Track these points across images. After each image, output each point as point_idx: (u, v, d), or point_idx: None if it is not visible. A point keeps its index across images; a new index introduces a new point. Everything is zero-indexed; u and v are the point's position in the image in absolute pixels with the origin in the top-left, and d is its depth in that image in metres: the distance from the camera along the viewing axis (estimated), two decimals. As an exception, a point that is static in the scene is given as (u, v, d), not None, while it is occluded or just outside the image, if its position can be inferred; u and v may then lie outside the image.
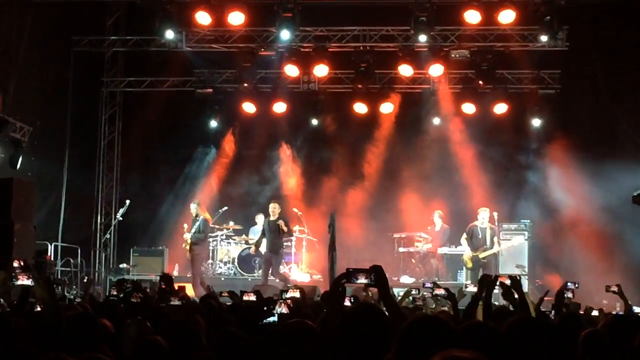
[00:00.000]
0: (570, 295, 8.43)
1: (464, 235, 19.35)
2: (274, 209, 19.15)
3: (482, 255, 18.85)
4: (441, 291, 9.15)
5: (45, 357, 4.59)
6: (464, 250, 19.25)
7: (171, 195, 20.47)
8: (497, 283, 7.48)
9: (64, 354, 4.78)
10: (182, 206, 21.12)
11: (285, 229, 18.93)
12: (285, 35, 20.07)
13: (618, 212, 20.42)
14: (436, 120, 22.16)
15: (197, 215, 19.05)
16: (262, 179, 23.01)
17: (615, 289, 9.22)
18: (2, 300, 8.19)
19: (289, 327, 4.51)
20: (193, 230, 18.90)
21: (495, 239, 19.03)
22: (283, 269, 20.69)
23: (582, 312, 9.46)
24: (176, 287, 9.76)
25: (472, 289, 13.06)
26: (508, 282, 7.51)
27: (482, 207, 19.43)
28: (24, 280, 6.46)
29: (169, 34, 20.32)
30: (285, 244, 21.04)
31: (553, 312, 9.01)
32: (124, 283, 8.89)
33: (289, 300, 7.22)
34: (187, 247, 18.93)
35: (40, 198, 19.85)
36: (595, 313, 9.51)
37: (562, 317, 7.43)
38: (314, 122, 22.28)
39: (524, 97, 21.97)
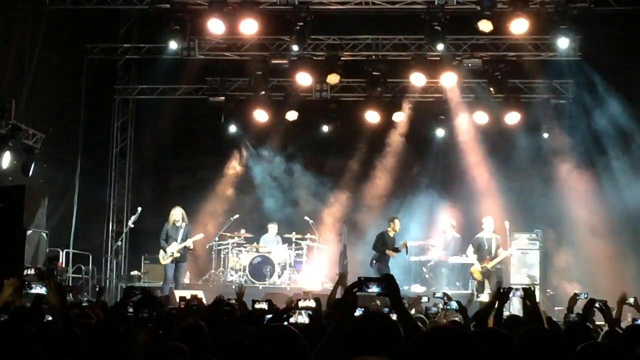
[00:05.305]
0: (597, 305, 8.22)
1: (470, 248, 19.36)
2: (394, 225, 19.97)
3: (490, 265, 18.85)
4: (453, 304, 9.11)
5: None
6: (472, 262, 19.25)
7: (183, 202, 20.47)
8: (520, 289, 7.59)
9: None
10: (193, 214, 21.12)
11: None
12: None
13: (631, 222, 20.36)
14: (448, 129, 22.12)
15: (180, 222, 19.13)
16: (273, 186, 23.04)
17: (631, 301, 9.16)
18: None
19: (270, 331, 4.49)
20: (180, 239, 18.94)
21: (501, 249, 19.06)
22: (294, 276, 20.75)
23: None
24: (189, 296, 9.78)
25: (482, 298, 13.05)
26: (521, 293, 7.55)
27: (486, 216, 19.44)
28: (37, 289, 6.45)
29: (173, 45, 20.25)
30: (296, 252, 21.11)
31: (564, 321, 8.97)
32: (132, 290, 8.87)
33: (306, 310, 7.19)
34: (175, 256, 18.97)
35: (52, 205, 19.88)
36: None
37: (568, 326, 7.40)
38: (326, 130, 22.23)
39: (537, 107, 21.95)
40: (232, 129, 22.55)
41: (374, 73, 20.99)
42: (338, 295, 9.19)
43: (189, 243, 19.00)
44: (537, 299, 8.39)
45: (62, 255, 20.03)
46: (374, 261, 19.52)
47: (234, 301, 10.16)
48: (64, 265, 19.97)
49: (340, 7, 20.02)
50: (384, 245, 19.66)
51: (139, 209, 21.31)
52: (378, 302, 11.59)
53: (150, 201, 22.78)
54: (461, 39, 21.16)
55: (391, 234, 19.72)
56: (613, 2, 18.99)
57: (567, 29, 19.12)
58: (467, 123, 22.02)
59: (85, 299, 15.56)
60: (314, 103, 22.22)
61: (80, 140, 22.22)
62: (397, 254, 19.77)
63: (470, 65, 20.94)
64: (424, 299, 10.86)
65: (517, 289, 8.35)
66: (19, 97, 18.93)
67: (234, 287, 12.52)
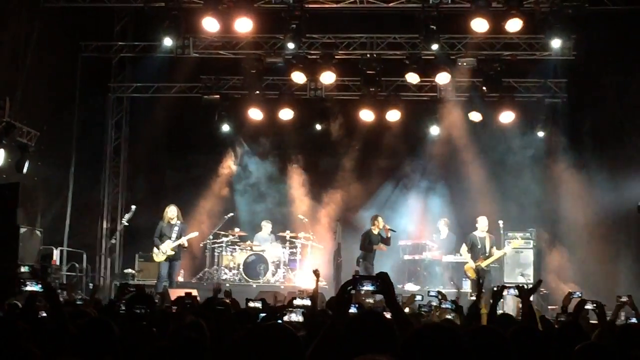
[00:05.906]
0: (589, 306, 8.21)
1: (464, 247, 19.27)
2: (377, 223, 19.68)
3: (484, 264, 18.78)
4: (447, 304, 9.11)
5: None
6: (466, 260, 19.19)
7: (177, 201, 20.44)
8: (514, 287, 7.67)
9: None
10: (188, 212, 21.08)
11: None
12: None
13: (625, 222, 20.38)
14: (442, 128, 22.12)
15: (175, 220, 19.04)
16: (267, 185, 23.04)
17: (625, 299, 9.16)
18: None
19: (266, 329, 4.46)
20: (174, 237, 18.85)
21: (495, 248, 18.99)
22: (288, 275, 20.75)
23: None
24: (183, 294, 9.77)
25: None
26: (515, 292, 7.59)
27: (480, 216, 19.39)
28: (31, 286, 6.45)
29: (167, 43, 20.30)
30: (290, 250, 21.10)
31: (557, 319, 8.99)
32: (127, 288, 8.86)
33: (301, 309, 7.19)
34: (169, 254, 18.83)
35: (46, 203, 19.87)
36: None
37: (562, 326, 7.40)
38: (320, 128, 22.22)
39: (531, 106, 21.95)
40: (227, 127, 22.52)
41: (369, 72, 21.00)
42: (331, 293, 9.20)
43: (183, 241, 18.90)
44: (531, 298, 8.38)
45: (56, 253, 19.99)
46: (360, 260, 19.51)
47: (228, 301, 10.17)
48: (58, 263, 19.95)
49: (335, 5, 20.01)
50: (370, 243, 19.64)
51: (133, 207, 21.30)
52: (371, 301, 11.59)
53: (145, 199, 22.74)
54: (456, 38, 21.16)
55: (375, 231, 19.64)
56: (608, 1, 19.01)
57: (561, 28, 19.13)
58: (462, 122, 22.01)
59: (79, 296, 15.58)
60: (308, 101, 22.24)
61: (75, 138, 22.17)
62: (387, 246, 19.76)
63: (464, 64, 20.96)
64: (418, 297, 10.86)
65: (511, 288, 8.36)
66: (13, 94, 18.88)
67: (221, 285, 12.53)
